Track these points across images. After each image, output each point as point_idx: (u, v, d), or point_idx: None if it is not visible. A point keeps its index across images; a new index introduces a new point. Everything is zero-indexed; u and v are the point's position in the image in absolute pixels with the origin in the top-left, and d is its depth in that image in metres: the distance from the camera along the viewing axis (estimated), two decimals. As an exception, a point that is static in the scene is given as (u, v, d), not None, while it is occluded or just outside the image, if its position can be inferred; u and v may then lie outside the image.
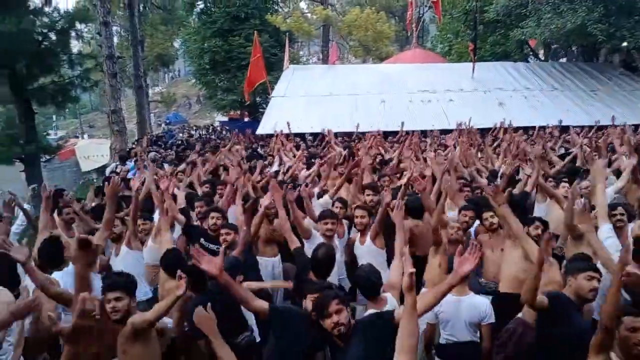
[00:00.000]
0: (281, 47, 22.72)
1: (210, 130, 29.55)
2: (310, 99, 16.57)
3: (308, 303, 3.17)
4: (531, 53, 23.72)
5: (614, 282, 2.76)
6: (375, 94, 16.87)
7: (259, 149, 13.14)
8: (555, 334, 3.09)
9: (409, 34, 29.88)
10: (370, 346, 2.78)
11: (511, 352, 3.63)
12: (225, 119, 27.59)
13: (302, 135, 15.45)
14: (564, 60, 23.30)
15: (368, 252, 4.83)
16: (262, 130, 14.94)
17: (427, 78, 17.80)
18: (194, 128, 32.24)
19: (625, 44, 17.00)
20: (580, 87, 17.37)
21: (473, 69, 17.59)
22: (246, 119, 24.02)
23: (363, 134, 13.79)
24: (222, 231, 4.96)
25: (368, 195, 6.01)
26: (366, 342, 2.79)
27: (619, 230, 4.62)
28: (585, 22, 16.11)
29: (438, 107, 16.10)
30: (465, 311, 3.67)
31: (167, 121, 40.24)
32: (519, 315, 3.77)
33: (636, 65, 19.06)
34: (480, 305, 3.72)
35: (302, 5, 32.08)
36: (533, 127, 14.17)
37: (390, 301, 3.45)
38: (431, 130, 14.26)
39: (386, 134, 13.07)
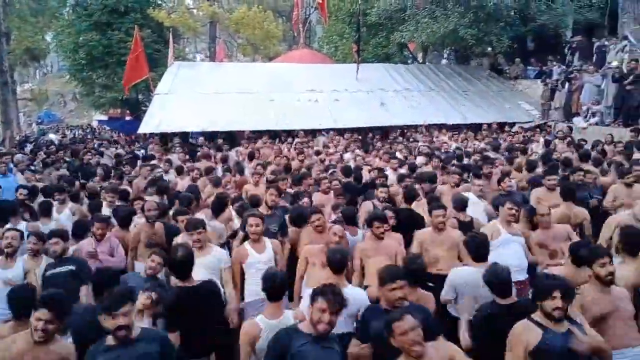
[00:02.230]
0: (165, 42, 21.88)
1: (87, 130, 27.71)
2: (196, 97, 16.09)
3: None
4: (410, 55, 25.04)
5: None
6: (264, 92, 16.82)
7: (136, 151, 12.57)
8: None
9: (295, 34, 30.18)
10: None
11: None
12: (105, 117, 26.00)
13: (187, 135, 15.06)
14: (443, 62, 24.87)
15: (266, 260, 4.75)
16: (144, 129, 14.25)
17: (314, 78, 18.08)
18: (69, 128, 30.01)
19: (490, 48, 18.54)
20: (453, 88, 18.67)
21: (357, 70, 18.15)
22: (127, 118, 22.82)
23: (258, 132, 13.78)
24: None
25: (271, 195, 5.97)
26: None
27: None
28: (457, 27, 17.33)
29: (324, 106, 16.43)
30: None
31: (39, 120, 37.06)
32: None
33: (502, 68, 20.87)
34: (359, 296, 3.82)
35: (188, 0, 31.10)
36: (411, 126, 15.13)
37: (287, 315, 3.47)
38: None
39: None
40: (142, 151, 12.62)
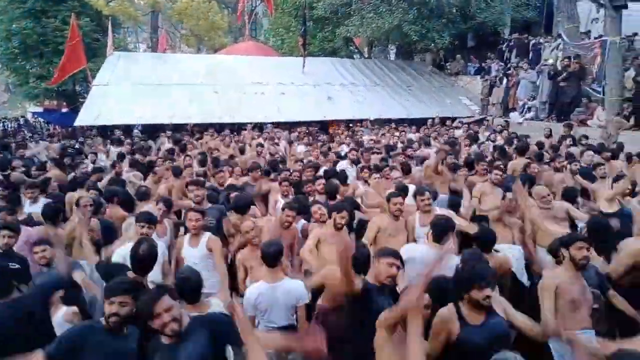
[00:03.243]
0: (104, 32, 21.11)
1: (21, 123, 26.37)
2: (137, 88, 15.61)
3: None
4: (356, 50, 25.26)
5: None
6: (208, 84, 16.53)
7: (77, 145, 12.07)
8: (361, 315, 3.23)
9: (241, 26, 29.81)
10: (211, 342, 2.70)
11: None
12: (40, 109, 24.81)
13: (129, 128, 14.63)
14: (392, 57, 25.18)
15: (200, 256, 4.66)
16: (81, 121, 13.70)
17: (260, 70, 17.95)
18: (1, 120, 28.42)
19: (433, 44, 18.94)
20: (397, 83, 18.98)
21: (303, 64, 18.14)
22: (64, 110, 21.85)
23: (200, 126, 13.52)
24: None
25: (192, 191, 5.84)
26: (208, 337, 2.70)
27: (427, 214, 5.11)
28: (401, 23, 17.63)
29: (271, 99, 16.33)
30: (282, 296, 3.74)
31: (-32, 112, 34.98)
32: (318, 301, 3.89)
33: (444, 64, 21.40)
34: (296, 288, 3.82)
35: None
36: (357, 120, 15.30)
37: (215, 305, 3.40)
38: (266, 123, 14.61)
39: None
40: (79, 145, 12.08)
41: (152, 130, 13.96)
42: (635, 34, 14.92)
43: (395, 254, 3.37)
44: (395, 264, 3.29)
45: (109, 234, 5.23)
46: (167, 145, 11.27)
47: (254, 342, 2.49)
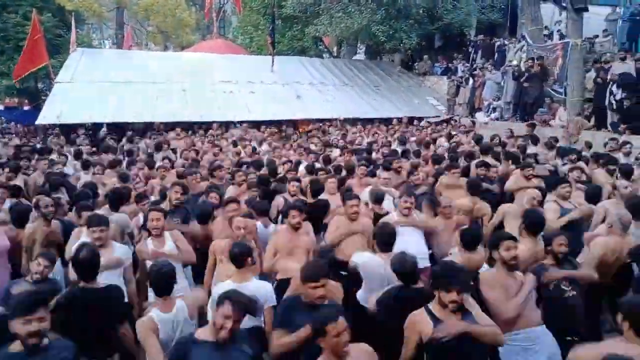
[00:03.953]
0: (67, 27, 20.58)
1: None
2: (102, 85, 15.24)
3: None
4: (325, 49, 25.28)
5: None
6: (176, 82, 16.28)
7: (38, 144, 11.77)
8: None
9: (209, 24, 29.50)
10: None
11: None
12: (0, 107, 24.07)
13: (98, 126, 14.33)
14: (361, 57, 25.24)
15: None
16: (43, 120, 13.32)
17: (229, 69, 17.79)
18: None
19: (401, 44, 19.12)
20: (366, 82, 19.10)
21: (272, 62, 18.06)
22: (26, 108, 21.25)
23: (167, 125, 13.36)
24: None
25: (176, 192, 5.76)
26: None
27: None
28: (369, 23, 17.73)
29: (240, 98, 16.21)
30: (248, 297, 3.71)
31: None
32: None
33: (412, 64, 21.62)
34: (262, 289, 3.80)
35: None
36: (327, 119, 15.35)
37: (180, 308, 3.42)
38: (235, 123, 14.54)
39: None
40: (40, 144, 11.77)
41: (119, 129, 13.68)
42: (596, 36, 15.42)
43: (316, 278, 3.30)
44: (318, 286, 3.26)
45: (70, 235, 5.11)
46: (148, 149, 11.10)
47: None
